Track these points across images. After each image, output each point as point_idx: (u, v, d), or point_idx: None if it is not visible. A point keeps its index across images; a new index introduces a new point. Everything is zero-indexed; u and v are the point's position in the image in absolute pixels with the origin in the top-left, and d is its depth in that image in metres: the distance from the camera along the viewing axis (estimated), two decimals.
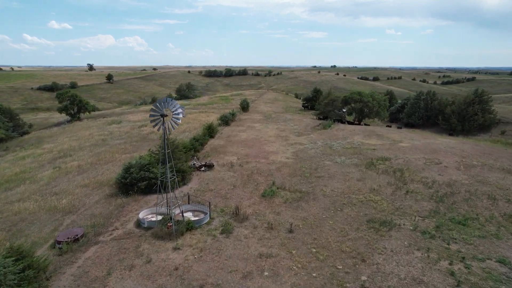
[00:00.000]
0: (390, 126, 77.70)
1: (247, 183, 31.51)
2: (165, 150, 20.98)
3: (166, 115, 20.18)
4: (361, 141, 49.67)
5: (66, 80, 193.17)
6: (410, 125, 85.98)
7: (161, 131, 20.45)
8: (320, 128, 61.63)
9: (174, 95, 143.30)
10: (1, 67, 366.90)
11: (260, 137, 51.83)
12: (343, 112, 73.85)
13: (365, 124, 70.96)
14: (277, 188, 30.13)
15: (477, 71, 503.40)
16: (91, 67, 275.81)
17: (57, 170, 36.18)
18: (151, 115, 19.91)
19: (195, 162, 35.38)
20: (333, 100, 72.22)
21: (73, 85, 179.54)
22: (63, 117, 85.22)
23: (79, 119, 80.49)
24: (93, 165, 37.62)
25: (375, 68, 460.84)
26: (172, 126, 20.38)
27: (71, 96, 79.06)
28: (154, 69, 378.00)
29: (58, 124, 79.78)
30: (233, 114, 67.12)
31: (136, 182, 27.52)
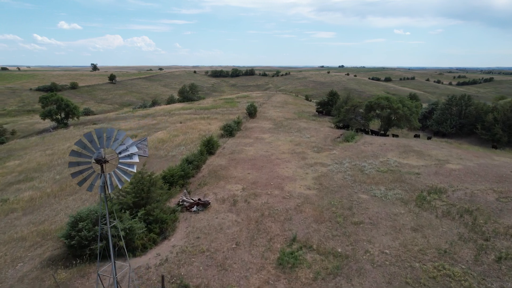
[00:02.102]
0: (419, 136, 67.47)
1: (255, 236, 21.84)
2: (107, 225, 11.37)
3: (106, 161, 10.63)
4: (397, 160, 39.66)
5: (67, 80, 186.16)
6: (440, 134, 75.53)
7: (97, 184, 10.84)
8: (342, 140, 51.72)
9: (177, 96, 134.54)
10: (8, 67, 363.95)
11: (271, 154, 42.11)
12: (366, 120, 63.71)
13: (393, 135, 60.71)
14: (300, 248, 20.42)
15: (490, 71, 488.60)
16: (95, 67, 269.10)
17: (0, 206, 26.98)
18: (70, 164, 10.38)
19: (184, 198, 25.78)
20: (355, 106, 62.09)
21: (74, 86, 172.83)
22: (50, 123, 76.53)
23: (65, 125, 71.70)
24: (50, 198, 28.34)
25: (383, 68, 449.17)
26: (119, 179, 10.81)
27: (57, 100, 70.34)
28: (160, 69, 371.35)
29: (42, 131, 71.14)
30: (238, 123, 57.52)
31: (87, 244, 18.06)
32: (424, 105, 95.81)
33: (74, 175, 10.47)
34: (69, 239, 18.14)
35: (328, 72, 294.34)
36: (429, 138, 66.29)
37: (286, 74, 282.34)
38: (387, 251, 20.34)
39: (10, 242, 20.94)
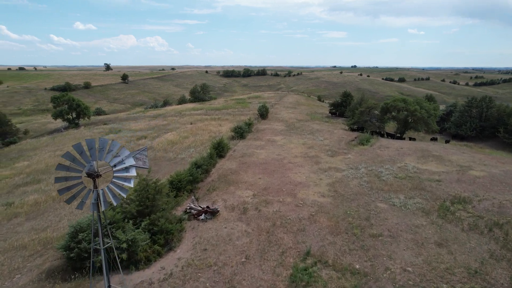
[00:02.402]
0: (436, 139, 64.76)
1: (266, 248, 20.41)
2: (101, 246, 10.17)
3: (99, 175, 9.40)
4: (416, 166, 37.61)
5: (81, 80, 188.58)
6: (459, 137, 72.50)
7: (89, 196, 9.61)
8: (357, 143, 49.81)
9: (188, 96, 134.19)
10: (25, 67, 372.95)
11: (283, 158, 40.61)
12: (382, 122, 61.47)
13: (410, 138, 58.37)
14: (315, 263, 18.89)
15: (508, 71, 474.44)
16: (108, 67, 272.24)
17: (5, 210, 26.33)
18: (57, 180, 9.19)
19: (192, 206, 24.57)
20: (370, 107, 59.96)
21: (87, 85, 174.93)
22: (62, 123, 76.82)
23: (77, 125, 71.77)
24: (55, 203, 27.57)
25: (397, 69, 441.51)
26: (115, 195, 9.57)
27: (68, 100, 70.48)
28: (173, 69, 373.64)
29: (53, 131, 71.36)
30: (249, 124, 56.20)
31: (87, 256, 16.99)
32: (441, 107, 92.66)
33: (61, 191, 9.29)
34: (68, 250, 17.12)
35: (341, 72, 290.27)
36: (447, 142, 63.57)
37: (298, 74, 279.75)
38: (409, 268, 18.62)
39: (10, 250, 20.11)
